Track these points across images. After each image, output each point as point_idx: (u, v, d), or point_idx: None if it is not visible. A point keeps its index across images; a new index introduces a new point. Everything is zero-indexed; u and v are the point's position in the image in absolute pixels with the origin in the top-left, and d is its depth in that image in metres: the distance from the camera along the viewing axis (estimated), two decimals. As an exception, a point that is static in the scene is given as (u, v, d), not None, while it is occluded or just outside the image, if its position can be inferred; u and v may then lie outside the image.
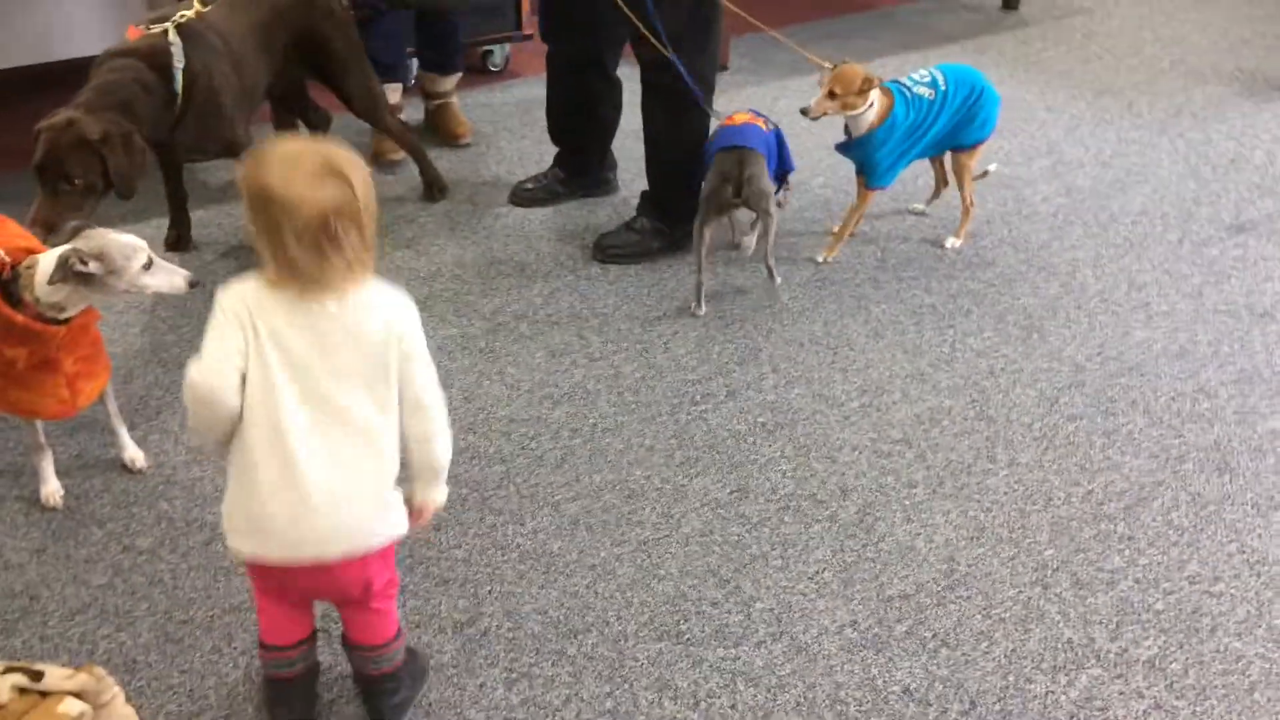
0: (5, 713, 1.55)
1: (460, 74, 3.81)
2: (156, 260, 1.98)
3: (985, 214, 3.35)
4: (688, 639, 1.97)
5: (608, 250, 3.09)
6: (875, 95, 2.89)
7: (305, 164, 1.45)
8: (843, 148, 3.05)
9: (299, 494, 1.50)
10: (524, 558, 2.12)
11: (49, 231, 2.24)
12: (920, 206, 3.33)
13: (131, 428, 2.36)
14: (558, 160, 3.40)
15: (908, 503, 2.29)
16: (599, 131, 3.33)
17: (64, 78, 3.62)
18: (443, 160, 3.49)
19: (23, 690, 1.57)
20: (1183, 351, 2.76)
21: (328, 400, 1.51)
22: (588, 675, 1.90)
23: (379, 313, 1.53)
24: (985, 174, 3.28)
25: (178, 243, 3.04)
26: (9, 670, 1.59)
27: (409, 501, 1.64)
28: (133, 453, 2.29)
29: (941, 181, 3.26)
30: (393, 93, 3.64)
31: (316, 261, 1.45)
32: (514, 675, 1.89)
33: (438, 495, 1.67)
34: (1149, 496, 2.32)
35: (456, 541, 2.15)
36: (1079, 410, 2.55)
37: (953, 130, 2.99)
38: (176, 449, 2.35)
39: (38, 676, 1.58)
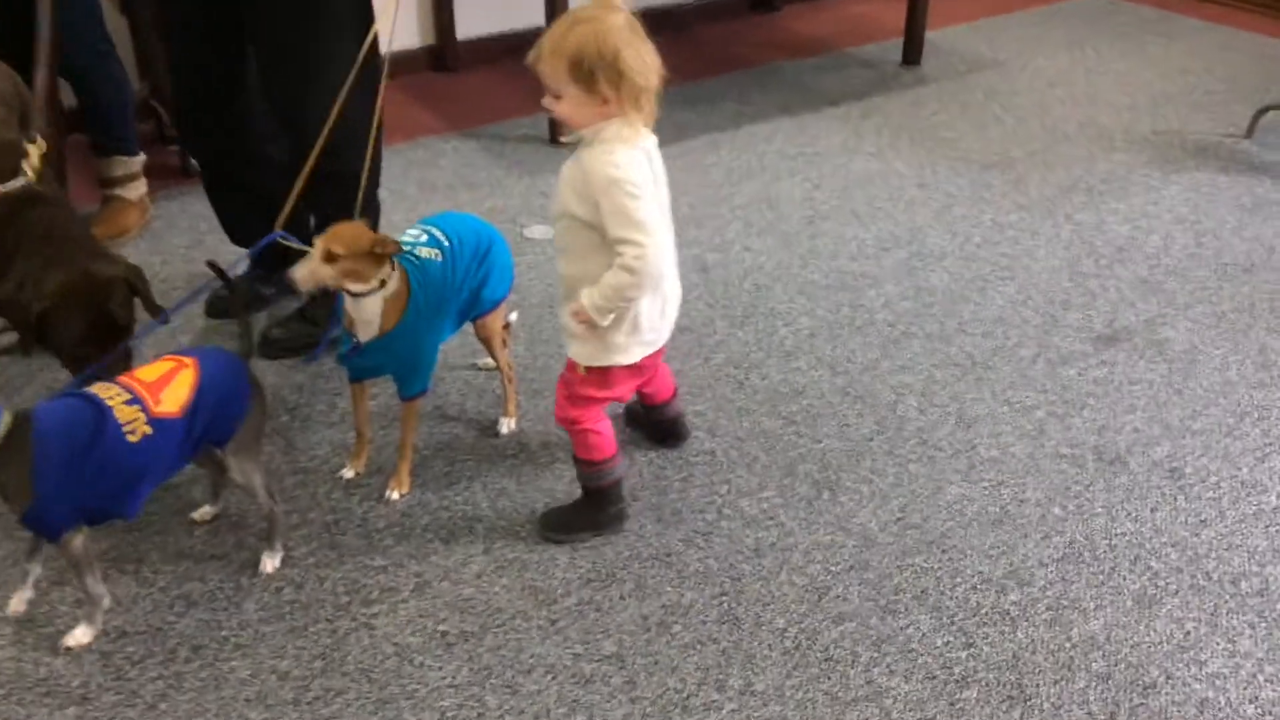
0: None
1: (141, 157, 3.31)
2: None
3: (811, 324, 2.83)
4: None
5: (276, 346, 2.66)
6: (393, 274, 2.09)
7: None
8: (353, 358, 2.17)
9: (671, 294, 2.06)
10: None
11: None
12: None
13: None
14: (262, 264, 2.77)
15: (589, 757, 1.76)
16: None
17: None
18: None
19: None
20: (1003, 516, 2.21)
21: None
22: None
23: None
24: (508, 325, 2.47)
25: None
26: None
27: None
28: None
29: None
30: (121, 166, 3.22)
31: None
32: None
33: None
34: (909, 743, 1.78)
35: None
36: (853, 606, 2.02)
37: (471, 296, 2.26)
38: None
39: None
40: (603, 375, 2.06)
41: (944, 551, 2.13)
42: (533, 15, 3.93)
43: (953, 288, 2.98)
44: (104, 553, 2.13)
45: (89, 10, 3.06)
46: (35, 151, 2.27)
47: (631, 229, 1.86)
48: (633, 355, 2.05)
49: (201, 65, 2.52)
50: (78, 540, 1.86)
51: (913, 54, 4.51)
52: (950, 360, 2.68)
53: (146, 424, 1.82)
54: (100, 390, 1.85)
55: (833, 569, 2.10)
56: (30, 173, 2.22)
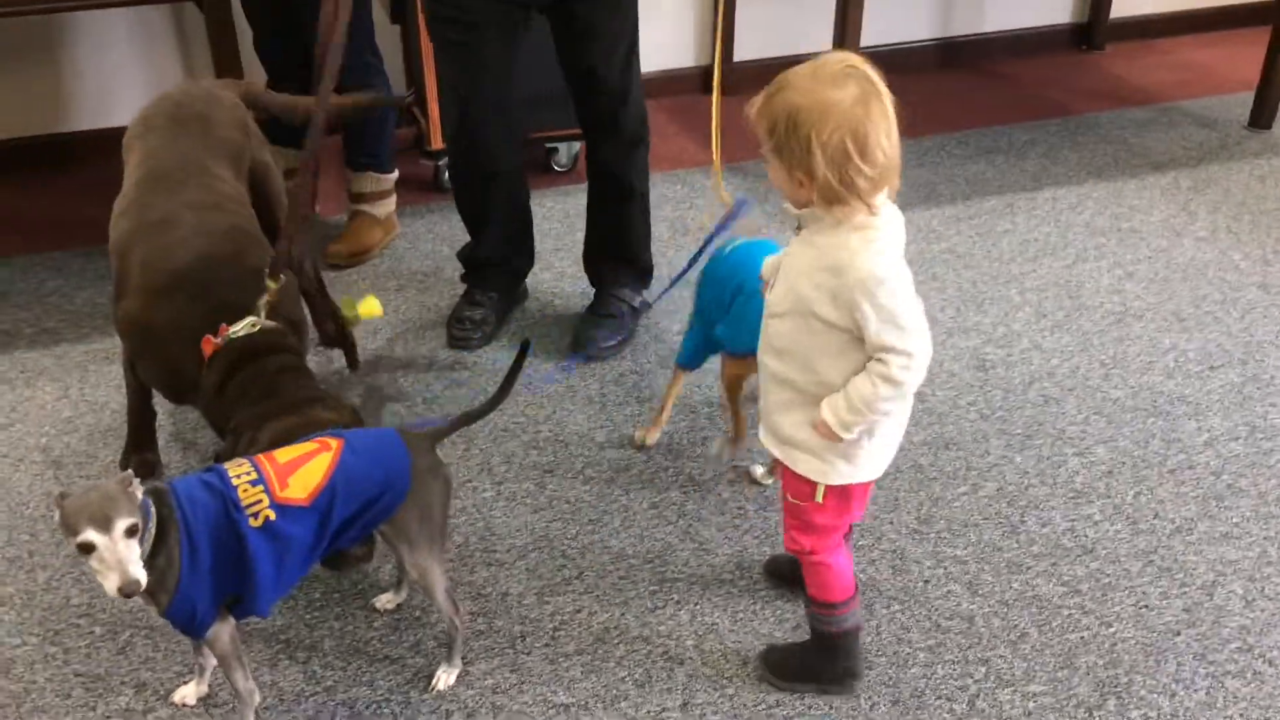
0: None
1: (394, 175, 3.20)
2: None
3: (1110, 457, 2.33)
4: None
5: (602, 350, 2.70)
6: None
7: None
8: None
9: None
10: None
11: None
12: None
13: None
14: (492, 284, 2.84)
15: None
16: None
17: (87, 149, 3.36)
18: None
19: None
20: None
21: None
22: None
23: None
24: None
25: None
26: None
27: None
28: None
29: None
30: (371, 182, 3.13)
31: None
32: None
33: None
34: None
35: None
36: None
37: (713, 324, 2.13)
38: None
39: None
40: (843, 495, 1.70)
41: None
42: (819, 38, 3.57)
43: (1300, 433, 2.41)
44: (277, 632, 1.96)
45: (359, 19, 2.92)
46: (273, 288, 2.00)
47: (901, 336, 1.51)
48: (880, 468, 1.69)
49: (493, 71, 2.51)
50: (225, 634, 1.66)
51: (1264, 115, 3.82)
52: (1290, 537, 2.14)
53: (270, 508, 1.60)
54: (230, 467, 1.65)
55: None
56: (261, 312, 1.98)
